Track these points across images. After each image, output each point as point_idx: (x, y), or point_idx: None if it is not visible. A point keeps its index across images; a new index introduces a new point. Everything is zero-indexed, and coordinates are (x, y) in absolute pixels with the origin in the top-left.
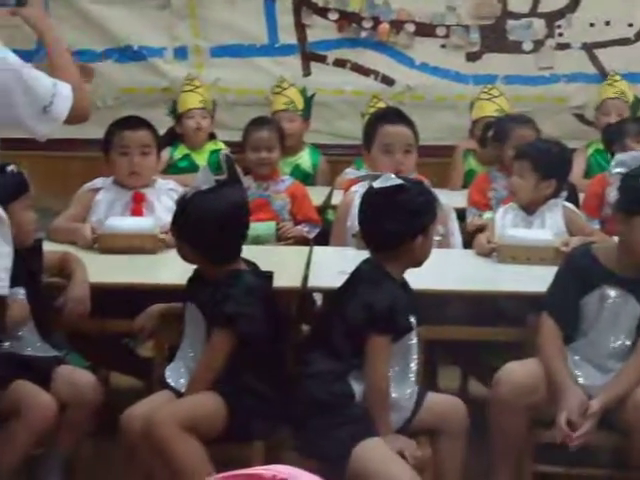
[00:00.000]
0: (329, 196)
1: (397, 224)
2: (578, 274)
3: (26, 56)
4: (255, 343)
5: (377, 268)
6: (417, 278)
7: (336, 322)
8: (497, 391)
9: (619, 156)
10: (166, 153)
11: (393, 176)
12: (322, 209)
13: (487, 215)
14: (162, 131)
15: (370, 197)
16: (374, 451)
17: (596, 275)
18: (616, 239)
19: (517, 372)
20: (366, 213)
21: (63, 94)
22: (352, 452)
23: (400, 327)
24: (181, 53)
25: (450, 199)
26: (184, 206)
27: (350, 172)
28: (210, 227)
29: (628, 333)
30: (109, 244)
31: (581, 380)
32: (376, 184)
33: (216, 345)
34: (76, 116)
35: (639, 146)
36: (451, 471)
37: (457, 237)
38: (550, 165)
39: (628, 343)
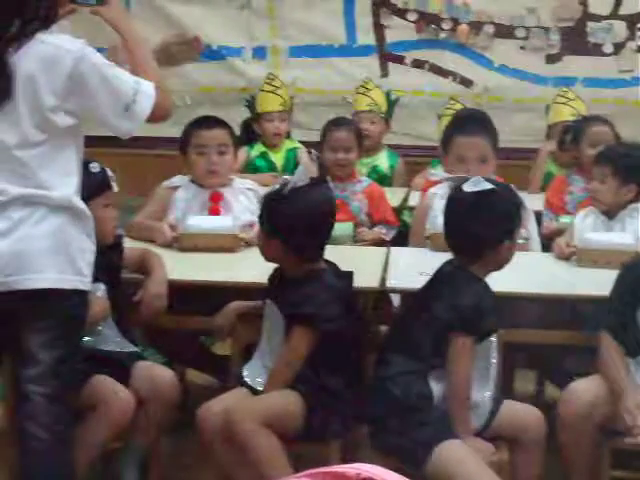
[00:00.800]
0: (406, 197)
1: (487, 228)
2: (633, 287)
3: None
4: (334, 343)
5: (462, 270)
6: (497, 281)
7: (418, 322)
8: (564, 410)
9: None
10: (243, 152)
11: (482, 179)
12: (399, 210)
13: (564, 219)
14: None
15: (459, 200)
16: (455, 452)
17: None
18: None
19: (582, 390)
20: (454, 216)
21: (146, 92)
22: (433, 452)
23: (485, 328)
24: (260, 53)
25: (529, 202)
26: (280, 202)
27: (434, 173)
28: (304, 224)
29: None
30: (190, 243)
31: None
32: (466, 187)
33: (296, 344)
34: (159, 114)
35: None
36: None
37: (536, 240)
38: (630, 169)
39: None
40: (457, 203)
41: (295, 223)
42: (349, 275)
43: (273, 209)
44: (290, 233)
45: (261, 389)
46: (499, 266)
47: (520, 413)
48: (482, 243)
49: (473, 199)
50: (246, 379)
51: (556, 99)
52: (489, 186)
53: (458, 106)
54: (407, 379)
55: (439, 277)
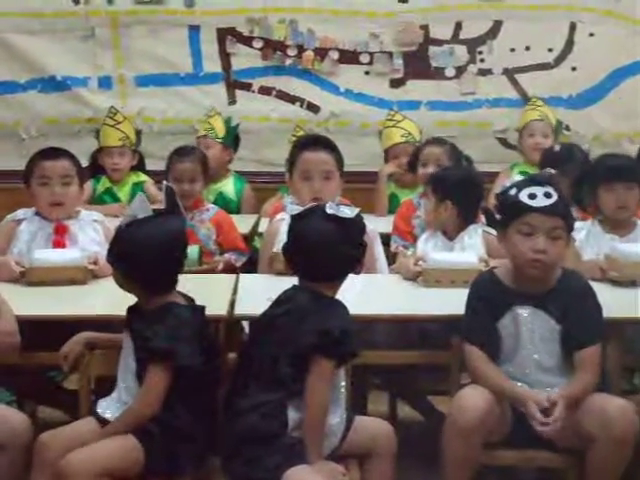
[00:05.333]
0: (256, 224)
1: (353, 252)
2: (487, 300)
3: None
4: (188, 377)
5: (319, 296)
6: (344, 302)
7: (276, 350)
8: (457, 417)
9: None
10: (89, 185)
11: (335, 205)
12: (250, 237)
13: (412, 251)
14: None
15: (314, 226)
16: (302, 477)
17: (504, 298)
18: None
19: (474, 397)
20: (307, 242)
21: None
22: (281, 478)
23: (350, 351)
24: (105, 83)
25: (375, 224)
26: (120, 235)
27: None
28: (145, 257)
29: (548, 347)
30: (38, 277)
31: None
32: (320, 213)
33: (153, 382)
34: None
35: None
36: None
37: (382, 262)
38: (445, 188)
39: (550, 357)
40: (315, 230)
41: (134, 256)
42: (202, 309)
43: (113, 242)
44: (130, 267)
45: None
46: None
47: (370, 428)
48: (343, 268)
49: (337, 225)
50: (98, 410)
51: (385, 123)
52: (348, 212)
53: (302, 133)
54: (265, 410)
55: (295, 305)
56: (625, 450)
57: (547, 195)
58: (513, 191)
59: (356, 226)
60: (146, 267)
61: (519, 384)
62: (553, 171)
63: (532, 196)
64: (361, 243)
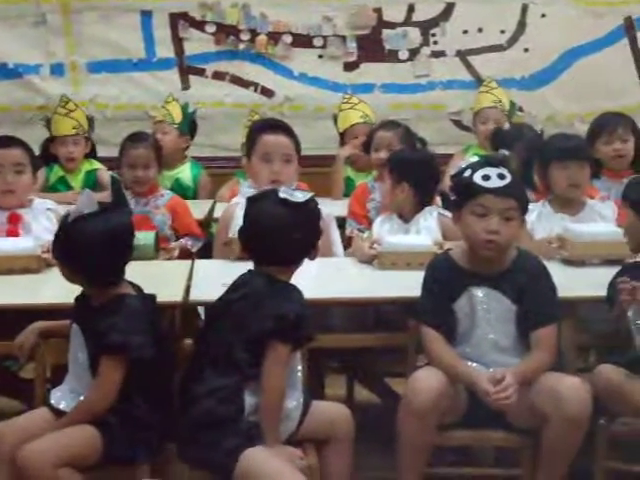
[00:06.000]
0: (212, 209)
1: (306, 236)
2: (442, 282)
3: None
4: (141, 368)
5: (274, 280)
6: (300, 287)
7: (232, 335)
8: (411, 399)
9: None
10: (42, 173)
11: (291, 189)
12: (206, 222)
13: (367, 234)
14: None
15: (275, 211)
16: (260, 457)
17: (459, 279)
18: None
19: (429, 379)
20: (263, 227)
21: None
22: (239, 460)
23: (305, 336)
24: (58, 70)
25: (332, 208)
26: (65, 229)
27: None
28: (90, 252)
29: (504, 327)
30: None
31: None
32: (288, 197)
33: (107, 375)
34: None
35: None
36: (338, 477)
37: (338, 246)
38: (402, 170)
39: (506, 337)
40: (269, 214)
41: (79, 251)
42: (152, 297)
43: (58, 236)
44: (76, 261)
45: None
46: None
47: (327, 412)
48: (297, 252)
49: (290, 209)
50: (52, 401)
51: (341, 106)
52: (300, 196)
53: (257, 117)
54: (221, 394)
55: (250, 289)
56: (578, 429)
57: (501, 176)
58: (467, 172)
59: (309, 211)
60: (91, 263)
61: (475, 364)
62: (507, 152)
63: (486, 177)
64: (314, 228)
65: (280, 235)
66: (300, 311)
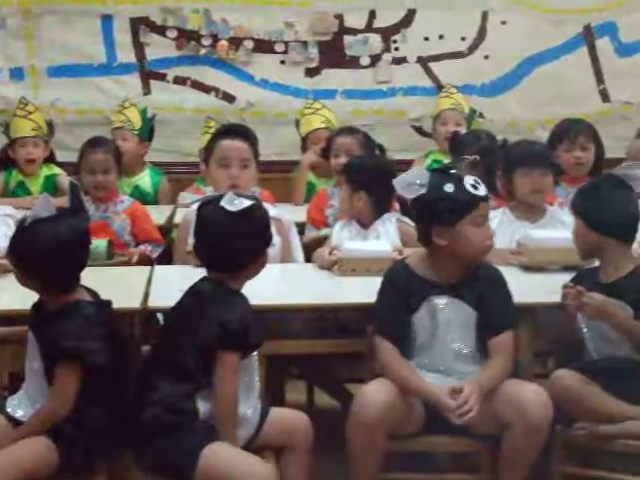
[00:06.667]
0: (172, 215)
1: (246, 245)
2: (402, 292)
3: None
4: (98, 374)
5: (221, 286)
6: (262, 293)
7: (183, 342)
8: (359, 413)
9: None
10: (1, 178)
11: (233, 195)
12: (166, 228)
13: (324, 231)
14: None
15: (215, 218)
16: (222, 451)
17: (420, 289)
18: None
19: (377, 394)
20: (210, 234)
21: None
22: (199, 458)
23: (252, 343)
24: (17, 74)
25: (292, 214)
26: (21, 233)
27: (187, 196)
28: (45, 257)
29: (466, 335)
30: None
31: None
32: (224, 204)
33: (62, 383)
34: None
35: None
36: None
37: (299, 252)
38: (359, 178)
39: (467, 345)
40: (213, 221)
41: (35, 257)
42: (108, 303)
43: (13, 241)
44: (31, 267)
45: (25, 426)
46: (251, 277)
47: (286, 419)
48: (241, 260)
49: (231, 217)
50: (8, 409)
51: (304, 111)
52: (245, 203)
53: (213, 124)
54: (174, 400)
55: (199, 295)
56: (539, 436)
57: (478, 182)
58: (450, 187)
59: (252, 219)
60: (47, 268)
61: (433, 375)
62: (470, 158)
63: (474, 187)
64: (259, 236)
65: (222, 242)
66: (244, 318)
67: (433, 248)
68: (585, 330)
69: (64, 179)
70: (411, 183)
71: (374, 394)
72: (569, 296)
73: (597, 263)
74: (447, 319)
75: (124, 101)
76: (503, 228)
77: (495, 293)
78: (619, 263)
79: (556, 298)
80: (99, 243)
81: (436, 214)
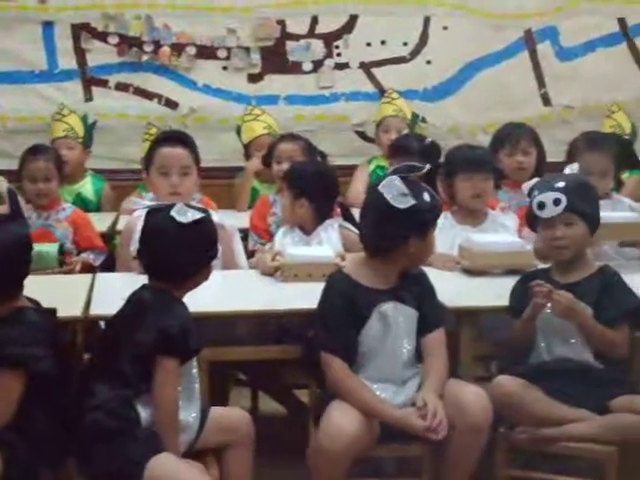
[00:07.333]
0: (115, 222)
1: (192, 255)
2: (348, 305)
3: None
4: (42, 381)
5: (162, 294)
6: (203, 299)
7: (122, 349)
8: (325, 445)
9: None
10: None
11: (185, 207)
12: (109, 235)
13: (269, 246)
14: None
15: (162, 227)
16: (169, 463)
17: (366, 298)
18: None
19: (343, 424)
20: (154, 243)
21: None
22: (145, 469)
23: (191, 349)
24: None
25: (236, 220)
26: None
27: (136, 201)
28: None
29: (411, 338)
30: None
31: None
32: (174, 214)
33: (5, 389)
34: None
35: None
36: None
37: (242, 258)
38: (300, 185)
39: (412, 348)
40: (161, 229)
41: None
42: (52, 311)
43: None
44: None
45: None
46: (195, 287)
47: (226, 416)
48: (186, 271)
49: (180, 227)
50: None
51: (244, 118)
52: (196, 215)
53: (153, 131)
54: (113, 406)
55: (139, 302)
56: (480, 436)
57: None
58: (427, 197)
59: (200, 230)
60: None
61: (382, 386)
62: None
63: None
64: (206, 248)
65: (167, 252)
66: (183, 324)
67: (382, 255)
68: (539, 331)
69: (1, 186)
70: (401, 193)
71: (341, 425)
72: (539, 294)
73: (547, 265)
74: (397, 324)
75: (61, 109)
76: (444, 232)
77: (425, 291)
78: (580, 265)
79: (498, 301)
80: (50, 248)
81: (419, 224)
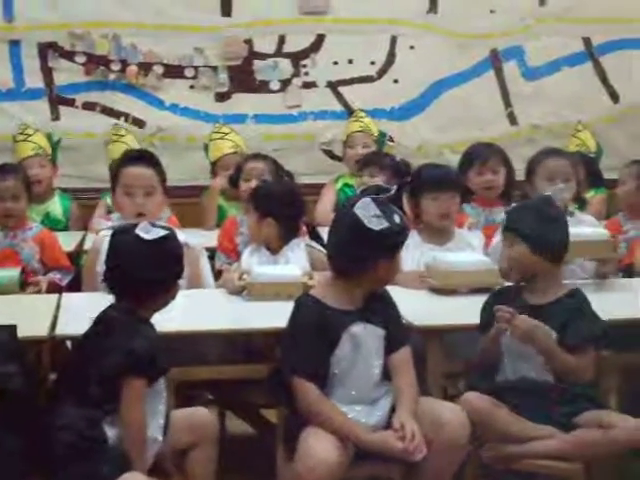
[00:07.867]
0: (82, 241)
1: (160, 273)
2: (319, 329)
3: None
4: (13, 400)
5: (129, 314)
6: (169, 319)
7: (90, 369)
8: (306, 476)
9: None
10: None
11: (151, 225)
12: (76, 254)
13: (235, 267)
14: None
15: (131, 245)
16: None
17: (336, 320)
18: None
19: (322, 453)
20: (124, 261)
21: None
22: None
23: (158, 369)
24: None
25: (202, 239)
26: None
27: (101, 222)
28: None
29: (380, 358)
30: None
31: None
32: (139, 232)
33: None
34: None
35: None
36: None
37: (209, 277)
38: (266, 205)
39: (381, 368)
40: (126, 248)
41: None
42: (11, 328)
43: None
44: None
45: None
46: (163, 306)
47: (189, 417)
48: (152, 289)
49: (145, 245)
50: None
51: (212, 136)
52: (161, 232)
53: (123, 131)
54: (80, 426)
55: (106, 323)
56: (460, 453)
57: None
58: (397, 218)
59: (165, 249)
60: None
61: (355, 408)
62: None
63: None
64: (171, 266)
65: (133, 270)
66: (151, 345)
67: (349, 276)
68: (504, 351)
69: None
70: (374, 215)
71: (319, 454)
72: (501, 319)
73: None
74: (366, 345)
75: (24, 129)
76: (411, 251)
77: (390, 309)
78: (549, 287)
79: (464, 320)
80: (12, 273)
81: (389, 246)
